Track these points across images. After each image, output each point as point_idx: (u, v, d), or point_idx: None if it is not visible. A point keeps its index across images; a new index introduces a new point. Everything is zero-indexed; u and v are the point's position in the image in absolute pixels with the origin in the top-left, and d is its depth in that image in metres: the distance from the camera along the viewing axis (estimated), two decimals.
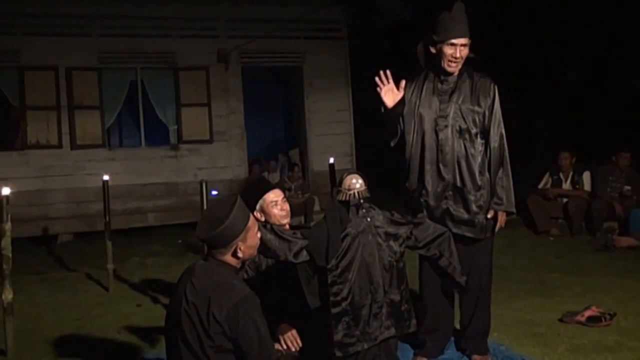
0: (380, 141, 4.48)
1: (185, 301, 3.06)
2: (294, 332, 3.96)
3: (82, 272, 7.99)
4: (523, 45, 17.21)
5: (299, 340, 3.94)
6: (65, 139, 10.66)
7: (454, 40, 4.20)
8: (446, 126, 4.28)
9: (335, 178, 6.69)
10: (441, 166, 4.29)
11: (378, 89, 4.24)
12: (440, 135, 4.28)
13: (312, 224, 5.11)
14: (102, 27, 10.91)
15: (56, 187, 10.59)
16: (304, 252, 3.76)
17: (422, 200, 4.33)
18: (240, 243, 3.15)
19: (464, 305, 4.48)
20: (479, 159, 4.30)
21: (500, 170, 4.33)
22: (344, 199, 3.94)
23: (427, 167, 4.31)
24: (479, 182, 4.28)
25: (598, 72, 16.77)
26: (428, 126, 4.31)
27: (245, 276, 4.00)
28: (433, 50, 4.31)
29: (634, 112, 14.98)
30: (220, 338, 3.00)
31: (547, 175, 9.75)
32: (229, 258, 3.17)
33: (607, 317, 5.11)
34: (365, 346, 3.82)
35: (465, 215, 4.29)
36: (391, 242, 3.95)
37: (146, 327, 5.46)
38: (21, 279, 6.99)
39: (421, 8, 11.51)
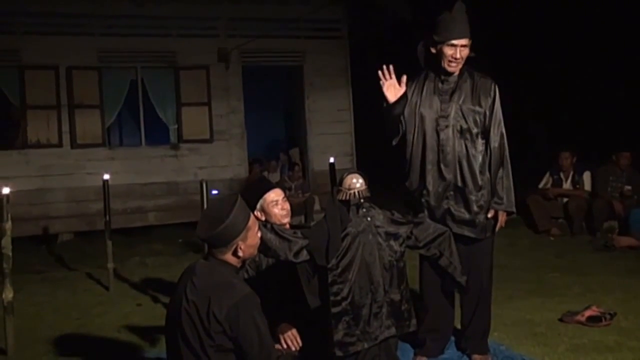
0: (380, 141, 4.48)
1: (186, 300, 3.06)
2: (294, 331, 3.96)
3: (82, 271, 7.99)
4: (523, 44, 17.20)
5: (299, 340, 3.94)
6: (66, 138, 10.66)
7: (454, 41, 4.19)
8: (447, 126, 4.28)
9: (335, 177, 6.69)
10: (442, 166, 4.29)
11: (381, 82, 4.24)
12: (442, 135, 4.28)
13: (312, 223, 5.12)
14: (103, 27, 10.91)
15: (56, 186, 10.59)
16: (304, 252, 3.76)
17: (423, 200, 4.33)
18: (240, 242, 3.15)
19: (464, 304, 4.48)
20: (480, 159, 4.30)
21: (501, 170, 4.33)
22: (344, 198, 3.94)
23: (428, 167, 4.31)
24: (480, 182, 4.29)
25: (598, 72, 16.75)
26: (429, 126, 4.31)
27: (246, 275, 4.00)
28: (433, 50, 4.30)
29: (634, 112, 14.98)
30: (221, 337, 3.00)
31: (548, 175, 9.75)
32: (229, 257, 3.18)
33: (608, 317, 5.11)
34: (366, 346, 3.82)
35: (466, 215, 4.29)
36: (391, 242, 3.95)
37: (146, 326, 5.46)
38: (21, 278, 6.99)
39: (421, 7, 11.50)
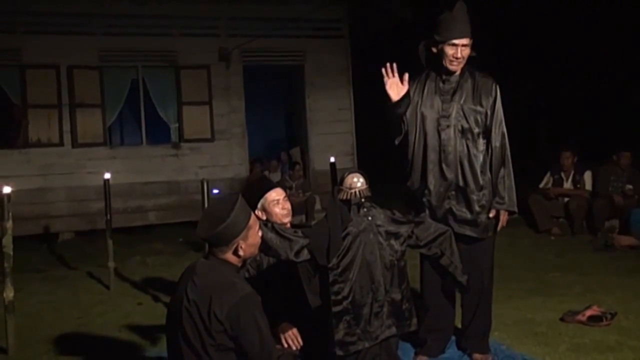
0: (381, 140, 4.48)
1: (187, 299, 3.06)
2: (294, 330, 3.96)
3: (83, 270, 8.00)
4: (524, 44, 17.21)
5: (299, 339, 3.94)
6: (67, 137, 10.67)
7: (455, 41, 4.19)
8: (448, 126, 4.28)
9: (336, 177, 6.69)
10: (444, 166, 4.29)
11: (385, 80, 4.24)
12: (443, 135, 4.28)
13: (313, 222, 5.12)
14: (104, 26, 10.92)
15: (57, 186, 10.60)
16: (305, 251, 3.76)
17: (424, 199, 4.33)
18: (241, 242, 3.15)
19: (465, 304, 4.48)
20: (481, 159, 4.30)
21: (502, 170, 4.32)
22: (345, 197, 3.94)
23: (430, 166, 4.31)
24: (481, 182, 4.29)
25: (599, 71, 16.75)
26: (430, 126, 4.31)
27: (247, 275, 4.00)
28: (434, 50, 4.30)
29: (635, 111, 14.98)
30: (222, 336, 3.01)
31: (549, 174, 9.75)
32: (230, 257, 3.18)
33: (608, 316, 5.10)
34: (366, 345, 3.82)
35: (468, 215, 4.29)
36: (392, 241, 3.95)
37: (147, 325, 5.46)
38: (22, 277, 7.00)
39: (422, 7, 11.51)
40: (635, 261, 7.39)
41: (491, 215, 4.32)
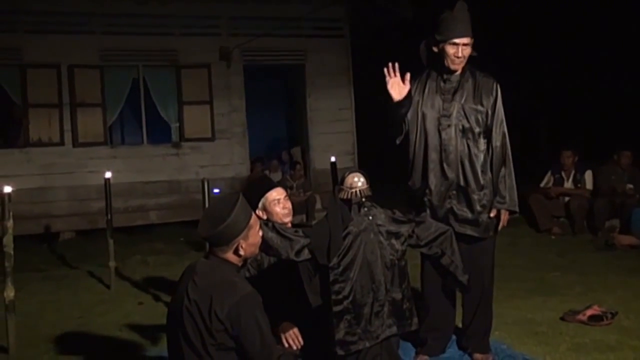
0: (382, 139, 4.48)
1: (187, 299, 3.06)
2: (295, 330, 3.96)
3: (83, 269, 8.00)
4: (525, 44, 17.20)
5: (300, 339, 3.94)
6: (67, 137, 10.67)
7: (456, 40, 4.19)
8: (449, 125, 4.28)
9: (337, 176, 6.70)
10: (445, 165, 4.29)
11: (386, 79, 4.23)
12: (444, 135, 4.28)
13: (313, 222, 5.12)
14: (105, 25, 10.92)
15: (58, 185, 10.61)
16: (306, 251, 3.76)
17: (425, 199, 4.33)
18: (242, 241, 3.16)
19: (466, 304, 4.48)
20: (482, 158, 4.30)
21: (503, 169, 4.32)
22: (345, 197, 3.94)
23: (431, 166, 4.31)
24: (482, 182, 4.29)
25: (600, 71, 16.75)
26: (431, 125, 4.31)
27: (247, 274, 4.00)
28: (435, 49, 4.30)
29: (636, 111, 14.97)
30: (222, 336, 3.01)
31: (549, 173, 9.75)
32: (230, 256, 3.18)
33: (609, 316, 5.10)
34: (367, 344, 3.82)
35: (469, 215, 4.29)
36: (393, 241, 3.95)
37: (148, 325, 5.46)
38: (23, 276, 7.00)
39: (423, 6, 11.50)
40: (636, 261, 7.39)
41: (492, 214, 4.32)
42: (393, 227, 3.97)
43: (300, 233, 3.80)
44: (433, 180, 4.31)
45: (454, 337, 4.64)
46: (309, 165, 12.15)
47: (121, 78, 11.09)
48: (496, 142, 4.30)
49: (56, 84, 10.57)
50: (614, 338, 4.75)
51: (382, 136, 4.50)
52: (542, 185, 9.72)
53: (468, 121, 4.27)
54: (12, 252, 4.88)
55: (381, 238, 3.92)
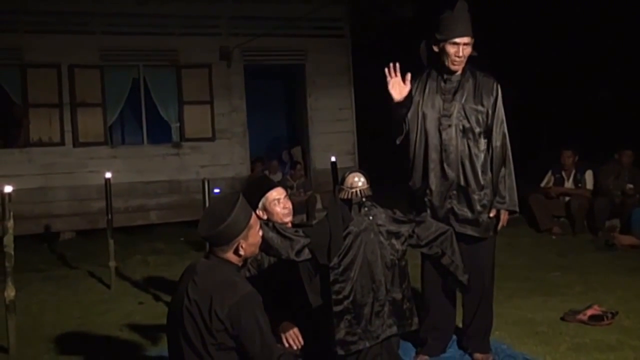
0: (382, 139, 4.48)
1: (187, 299, 3.06)
2: (295, 330, 3.96)
3: (84, 269, 8.00)
4: (525, 43, 17.19)
5: (300, 339, 3.93)
6: (68, 137, 10.67)
7: (456, 39, 4.19)
8: (450, 125, 4.28)
9: (337, 176, 6.70)
10: (445, 165, 4.29)
11: (387, 79, 4.23)
12: (444, 135, 4.28)
13: (314, 222, 5.12)
14: (105, 25, 10.92)
15: (58, 185, 10.61)
16: (306, 250, 3.76)
17: (426, 199, 4.33)
18: (242, 241, 3.16)
19: (466, 303, 4.48)
20: (482, 158, 4.30)
21: (503, 169, 4.32)
22: (346, 197, 3.94)
23: (431, 166, 4.31)
24: (482, 182, 4.29)
25: (600, 71, 16.74)
26: (431, 125, 4.31)
27: (247, 274, 3.99)
28: (436, 49, 4.30)
29: (636, 110, 14.96)
30: (222, 336, 3.01)
31: (550, 173, 9.74)
32: (230, 256, 3.18)
33: (609, 315, 5.10)
34: (367, 344, 3.82)
35: (470, 215, 4.29)
36: (393, 241, 3.95)
37: (148, 324, 5.47)
38: (23, 276, 7.01)
39: (423, 6, 11.50)
40: (636, 260, 7.38)
41: (492, 214, 4.32)
42: (393, 227, 3.97)
43: (301, 233, 3.80)
44: (433, 180, 4.31)
45: (454, 337, 4.64)
46: (310, 165, 12.15)
47: (121, 78, 11.09)
48: (496, 142, 4.30)
49: (56, 84, 10.57)
50: (614, 338, 4.75)
51: (383, 136, 4.50)
52: (542, 185, 9.72)
53: (468, 121, 4.27)
54: (12, 252, 4.88)
55: (381, 238, 3.92)
